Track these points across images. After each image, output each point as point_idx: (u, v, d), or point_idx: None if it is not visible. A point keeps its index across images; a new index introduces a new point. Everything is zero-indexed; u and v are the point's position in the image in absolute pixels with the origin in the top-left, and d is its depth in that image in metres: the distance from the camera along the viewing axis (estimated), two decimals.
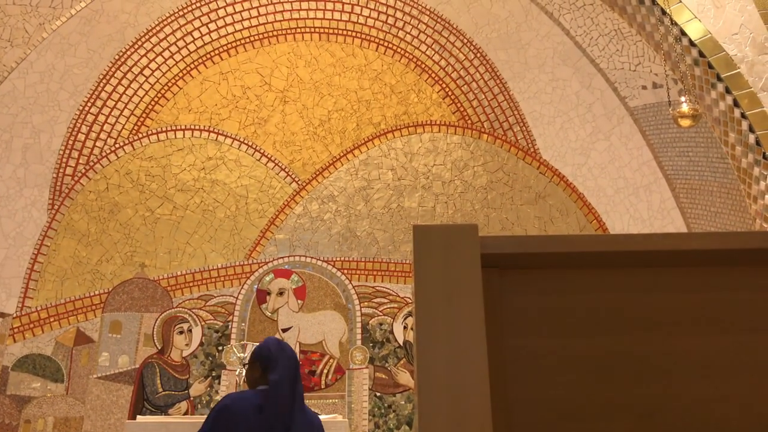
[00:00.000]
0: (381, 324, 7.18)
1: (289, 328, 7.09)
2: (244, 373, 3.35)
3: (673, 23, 5.47)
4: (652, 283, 0.90)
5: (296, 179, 7.57)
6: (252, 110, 7.61)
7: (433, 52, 7.65)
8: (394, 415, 6.84)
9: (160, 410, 6.69)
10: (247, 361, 3.35)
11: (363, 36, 7.65)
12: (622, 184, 7.30)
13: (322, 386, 6.92)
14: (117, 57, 7.21)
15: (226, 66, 7.54)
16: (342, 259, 7.38)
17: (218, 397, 6.77)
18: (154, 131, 7.44)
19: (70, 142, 7.20)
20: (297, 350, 7.01)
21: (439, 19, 7.43)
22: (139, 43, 7.24)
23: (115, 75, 7.26)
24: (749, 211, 5.59)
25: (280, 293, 7.23)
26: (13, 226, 6.98)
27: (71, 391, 6.69)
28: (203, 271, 7.23)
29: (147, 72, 7.36)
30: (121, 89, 7.31)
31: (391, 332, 7.15)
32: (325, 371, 6.97)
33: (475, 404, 0.77)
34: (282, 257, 7.36)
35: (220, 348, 6.96)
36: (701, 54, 5.39)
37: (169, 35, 7.31)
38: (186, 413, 6.70)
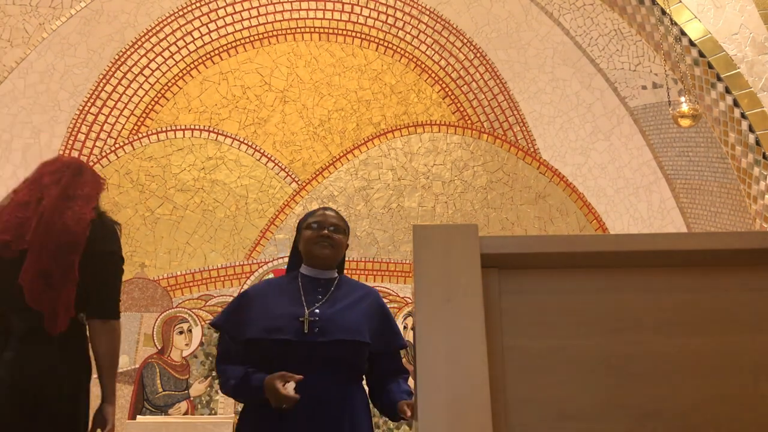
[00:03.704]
0: None
1: None
2: None
3: (673, 23, 5.47)
4: (652, 283, 0.90)
5: (296, 179, 7.56)
6: (252, 110, 7.61)
7: (433, 52, 7.64)
8: None
9: (160, 410, 6.69)
10: None
11: (363, 36, 7.64)
12: (622, 184, 7.29)
13: None
14: (117, 57, 7.21)
15: (226, 66, 7.54)
16: None
17: (218, 398, 6.77)
18: (154, 131, 7.43)
19: (70, 142, 7.20)
20: None
21: (439, 19, 7.43)
22: (139, 43, 7.24)
23: (115, 75, 7.26)
24: (749, 211, 5.59)
25: None
26: None
27: None
28: (203, 271, 7.22)
29: (147, 72, 7.36)
30: (121, 89, 7.31)
31: None
32: None
33: (474, 404, 0.77)
34: (282, 257, 7.35)
35: None
36: (701, 54, 5.39)
37: (169, 35, 7.31)
38: (186, 413, 6.70)
